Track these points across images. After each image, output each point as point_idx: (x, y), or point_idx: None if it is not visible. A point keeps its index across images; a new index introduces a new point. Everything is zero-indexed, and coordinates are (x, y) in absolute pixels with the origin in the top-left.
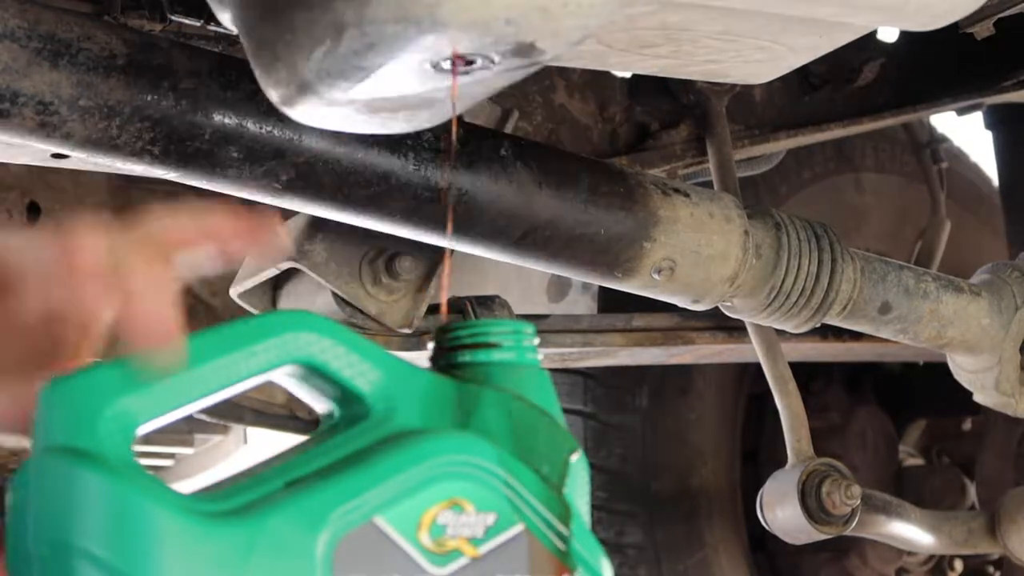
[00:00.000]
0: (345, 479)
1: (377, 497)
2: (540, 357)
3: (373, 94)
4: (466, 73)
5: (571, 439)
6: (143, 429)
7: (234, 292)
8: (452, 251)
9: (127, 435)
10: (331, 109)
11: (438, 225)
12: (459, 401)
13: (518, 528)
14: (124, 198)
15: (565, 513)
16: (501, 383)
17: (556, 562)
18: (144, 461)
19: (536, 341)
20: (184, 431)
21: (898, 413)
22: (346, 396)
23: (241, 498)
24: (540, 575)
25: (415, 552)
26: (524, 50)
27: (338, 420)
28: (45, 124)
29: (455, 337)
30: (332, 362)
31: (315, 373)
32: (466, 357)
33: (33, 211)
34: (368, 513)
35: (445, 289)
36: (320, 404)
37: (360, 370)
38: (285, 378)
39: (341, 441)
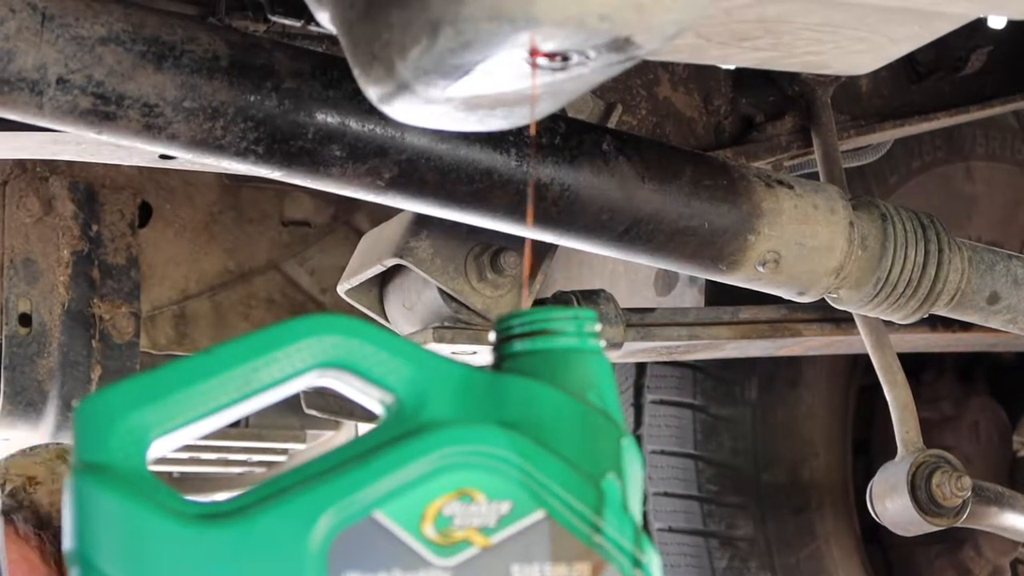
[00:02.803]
0: (345, 476)
1: (376, 492)
2: (600, 343)
3: (470, 92)
4: (562, 69)
5: (616, 426)
6: (164, 442)
7: (341, 289)
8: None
9: (140, 448)
10: (429, 107)
11: (541, 221)
12: (491, 392)
13: (537, 515)
14: (234, 197)
15: (598, 501)
16: (556, 371)
17: (585, 550)
18: (257, 458)
19: (593, 327)
20: (296, 427)
21: (1012, 403)
22: (384, 394)
23: (244, 500)
24: (565, 562)
25: (418, 545)
26: (620, 45)
27: (384, 418)
28: (151, 126)
29: (507, 327)
30: (360, 362)
31: (350, 374)
32: (518, 346)
33: (144, 211)
34: (366, 508)
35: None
36: (370, 404)
37: (390, 367)
38: (329, 382)
39: (365, 438)
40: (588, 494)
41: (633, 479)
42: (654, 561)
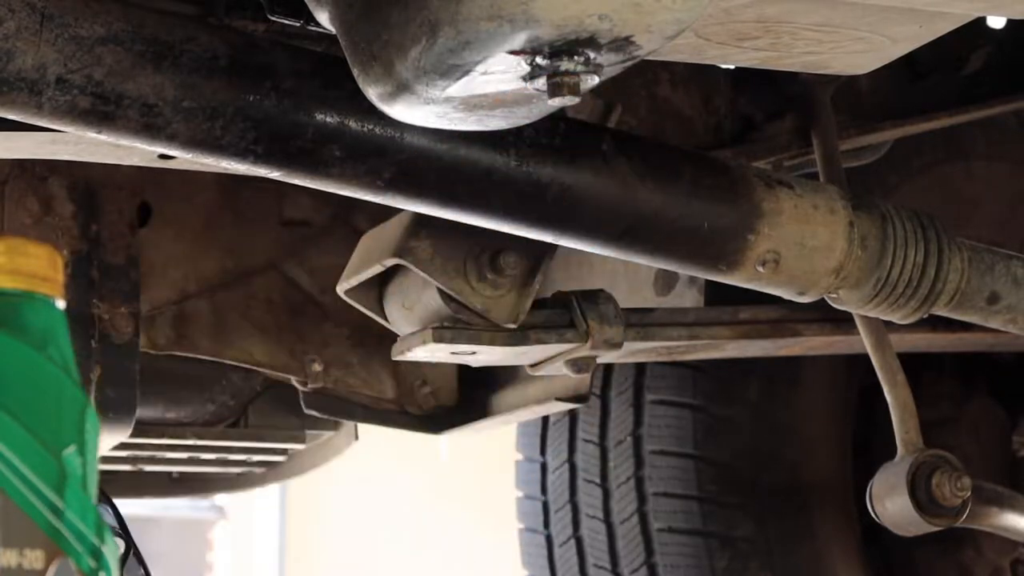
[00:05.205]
0: None
1: None
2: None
3: (469, 91)
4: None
5: (80, 392)
6: None
7: (341, 289)
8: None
9: None
10: (429, 107)
11: (541, 221)
12: None
13: None
14: (233, 197)
15: (59, 479)
16: (6, 320)
17: (41, 535)
18: (257, 458)
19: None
20: (296, 427)
21: (1012, 403)
22: None
23: None
24: (16, 547)
25: None
26: (620, 45)
27: None
28: (150, 126)
29: None
30: None
31: None
32: None
33: (143, 211)
34: None
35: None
36: None
37: None
38: None
39: None
40: (49, 470)
41: (94, 456)
42: (113, 553)
